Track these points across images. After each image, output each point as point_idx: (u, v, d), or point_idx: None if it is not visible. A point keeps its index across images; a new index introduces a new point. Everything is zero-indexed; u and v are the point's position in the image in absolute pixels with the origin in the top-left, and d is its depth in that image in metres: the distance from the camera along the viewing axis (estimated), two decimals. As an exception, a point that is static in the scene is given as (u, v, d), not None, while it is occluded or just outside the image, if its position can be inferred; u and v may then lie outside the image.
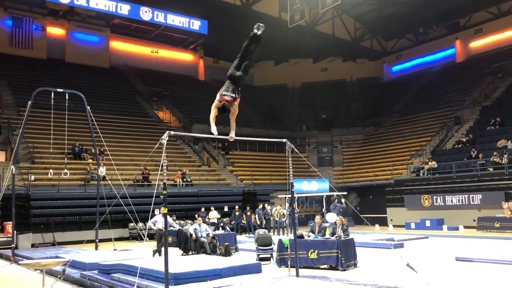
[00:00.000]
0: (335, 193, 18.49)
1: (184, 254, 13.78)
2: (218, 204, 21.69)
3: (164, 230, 7.42)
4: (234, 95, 6.36)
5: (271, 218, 21.29)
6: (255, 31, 6.42)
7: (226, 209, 22.39)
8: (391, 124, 32.70)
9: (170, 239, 14.81)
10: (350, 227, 13.51)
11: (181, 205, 21.38)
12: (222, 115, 6.44)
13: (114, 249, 14.15)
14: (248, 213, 21.41)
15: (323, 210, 16.43)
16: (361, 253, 11.48)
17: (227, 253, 12.84)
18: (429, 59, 36.97)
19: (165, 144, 7.05)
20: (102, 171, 16.39)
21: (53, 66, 30.56)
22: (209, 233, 13.67)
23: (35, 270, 10.53)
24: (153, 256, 12.88)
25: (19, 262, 11.96)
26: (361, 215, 12.22)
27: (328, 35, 34.53)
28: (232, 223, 21.07)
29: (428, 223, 20.70)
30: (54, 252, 13.36)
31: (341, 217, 11.44)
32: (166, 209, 7.21)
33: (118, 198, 12.64)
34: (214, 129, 6.63)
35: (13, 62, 28.90)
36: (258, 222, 21.00)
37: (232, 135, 6.86)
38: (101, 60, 33.32)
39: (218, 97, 6.42)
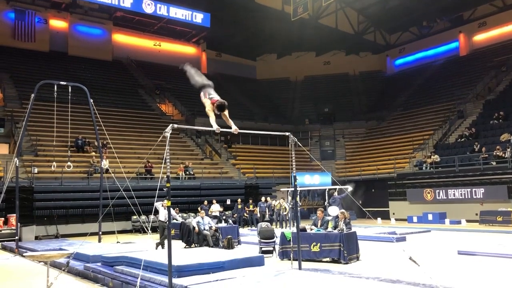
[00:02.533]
0: (336, 187, 18.53)
1: (187, 246, 13.85)
2: (221, 197, 21.72)
3: (167, 222, 7.44)
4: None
5: (274, 211, 21.28)
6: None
7: (228, 202, 22.45)
8: (393, 118, 32.62)
9: (172, 231, 14.86)
10: (352, 220, 13.49)
11: (184, 198, 21.45)
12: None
13: (117, 242, 14.21)
14: (251, 206, 21.46)
15: (325, 203, 16.45)
16: (364, 246, 11.51)
17: (229, 246, 12.88)
18: (432, 52, 36.83)
19: (168, 137, 7.05)
20: (105, 164, 16.43)
21: (55, 59, 30.58)
22: (211, 226, 13.72)
23: (39, 262, 10.59)
24: (156, 248, 12.95)
25: (23, 254, 12.07)
26: (363, 209, 12.25)
27: (331, 28, 34.38)
28: (234, 216, 21.14)
29: (430, 217, 20.69)
30: (58, 245, 13.40)
31: (343, 210, 11.44)
32: (170, 201, 7.23)
33: (121, 191, 12.68)
34: (216, 126, 7.09)
35: (16, 55, 28.93)
36: (259, 215, 21.00)
37: (236, 128, 6.94)
38: (104, 53, 33.32)
39: (207, 101, 7.07)
